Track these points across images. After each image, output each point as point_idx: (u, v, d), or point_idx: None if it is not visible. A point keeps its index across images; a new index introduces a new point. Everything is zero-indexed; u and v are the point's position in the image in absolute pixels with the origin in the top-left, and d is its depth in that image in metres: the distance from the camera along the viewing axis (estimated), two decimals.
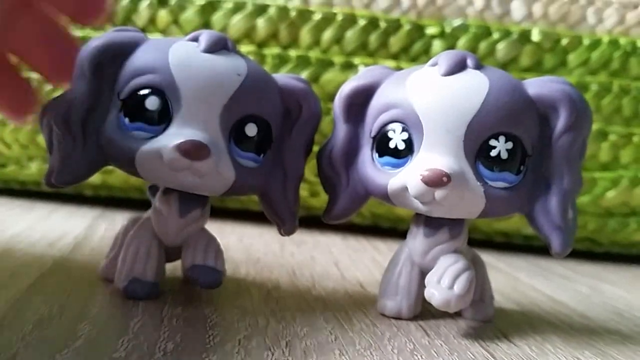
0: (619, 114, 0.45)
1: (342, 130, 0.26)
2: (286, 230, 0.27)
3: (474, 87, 0.24)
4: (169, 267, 0.28)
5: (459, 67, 0.25)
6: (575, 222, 0.26)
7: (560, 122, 0.24)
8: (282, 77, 0.27)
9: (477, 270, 0.27)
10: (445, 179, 0.23)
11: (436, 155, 0.24)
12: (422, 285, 0.26)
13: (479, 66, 0.25)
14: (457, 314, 0.28)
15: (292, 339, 0.23)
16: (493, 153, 0.24)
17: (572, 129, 0.25)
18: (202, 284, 0.26)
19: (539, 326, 0.28)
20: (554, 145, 0.25)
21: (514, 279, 0.38)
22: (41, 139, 0.45)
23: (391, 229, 0.48)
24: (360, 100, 0.26)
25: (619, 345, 0.26)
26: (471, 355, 0.23)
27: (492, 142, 0.24)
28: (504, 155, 0.24)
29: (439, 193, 0.23)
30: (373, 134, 0.25)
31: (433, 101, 0.24)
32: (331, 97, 0.27)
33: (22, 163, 0.48)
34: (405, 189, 0.24)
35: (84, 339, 0.21)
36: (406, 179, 0.24)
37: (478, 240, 0.47)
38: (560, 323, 0.29)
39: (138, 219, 0.28)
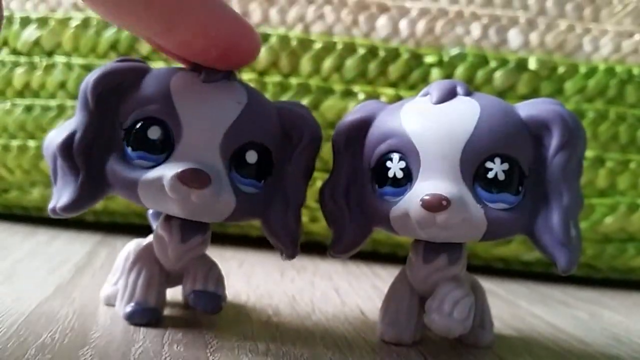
0: (616, 141, 0.45)
1: (341, 165, 0.27)
2: (288, 255, 0.27)
3: (465, 112, 0.24)
4: (170, 292, 0.28)
5: (449, 94, 0.25)
6: (579, 240, 0.25)
7: (554, 141, 0.24)
8: (282, 103, 0.27)
9: (477, 296, 0.27)
10: (444, 202, 0.23)
11: (434, 180, 0.24)
12: (422, 312, 0.26)
13: (469, 93, 0.25)
14: (457, 340, 0.28)
15: None
16: (490, 175, 0.24)
17: (566, 147, 0.24)
18: (203, 310, 0.26)
19: (538, 352, 0.28)
20: (549, 164, 0.25)
21: (513, 305, 0.38)
22: (44, 165, 0.46)
23: (391, 255, 0.48)
24: (357, 134, 0.26)
25: None
26: None
27: (488, 164, 0.24)
28: (501, 177, 0.24)
29: (439, 217, 0.23)
30: (372, 165, 0.26)
31: (427, 129, 0.24)
32: (331, 124, 0.28)
33: (25, 189, 0.48)
34: (406, 216, 0.24)
35: None
36: (407, 206, 0.24)
37: (477, 266, 0.47)
38: (560, 349, 0.29)
39: (139, 244, 0.28)
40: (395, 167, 0.25)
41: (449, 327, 0.24)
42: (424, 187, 0.24)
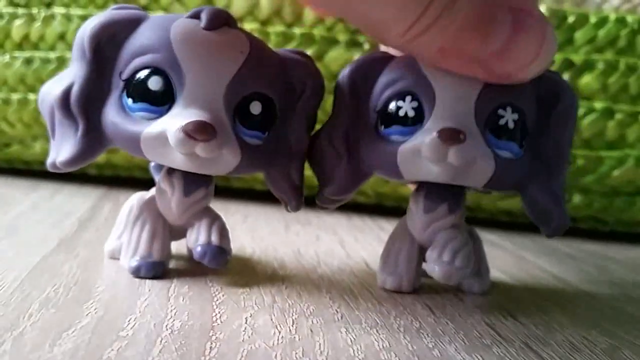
0: (626, 93, 0.44)
1: (343, 110, 0.26)
2: (292, 207, 0.27)
3: None
4: (175, 245, 0.28)
5: None
6: (566, 202, 0.27)
7: (561, 107, 0.26)
8: (285, 52, 0.27)
9: (475, 244, 0.28)
10: (462, 136, 0.23)
11: (449, 120, 0.24)
12: (421, 260, 0.27)
13: None
14: (460, 291, 0.28)
15: (299, 317, 0.23)
16: (501, 122, 0.24)
17: (572, 115, 0.26)
18: (208, 263, 0.25)
19: (545, 305, 0.28)
20: (552, 128, 0.26)
21: (519, 258, 0.38)
22: None
23: (395, 208, 0.48)
24: (364, 80, 0.26)
25: (626, 325, 0.26)
26: (477, 334, 0.23)
27: (500, 112, 0.24)
28: (511, 125, 0.25)
29: (453, 151, 0.23)
30: (378, 108, 0.25)
31: (445, 72, 0.24)
32: (335, 76, 0.27)
33: (26, 142, 0.48)
34: (417, 152, 0.24)
35: (91, 318, 0.21)
36: (419, 141, 0.24)
37: (482, 219, 0.47)
38: (567, 302, 0.29)
39: (142, 197, 0.28)
40: (407, 106, 0.25)
41: (450, 275, 0.25)
42: (439, 124, 0.24)
